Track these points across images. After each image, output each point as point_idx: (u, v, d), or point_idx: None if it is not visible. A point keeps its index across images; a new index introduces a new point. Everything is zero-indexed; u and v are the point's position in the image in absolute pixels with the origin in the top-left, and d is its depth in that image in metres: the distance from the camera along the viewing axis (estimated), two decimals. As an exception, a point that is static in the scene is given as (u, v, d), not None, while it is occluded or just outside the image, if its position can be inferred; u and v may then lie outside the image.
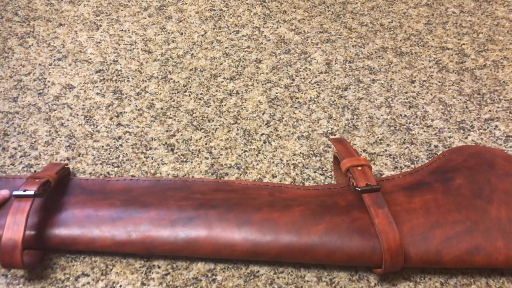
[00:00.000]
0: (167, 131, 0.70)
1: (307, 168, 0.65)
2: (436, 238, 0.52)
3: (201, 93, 0.76)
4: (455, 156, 0.62)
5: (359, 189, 0.53)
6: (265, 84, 0.78)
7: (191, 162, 0.66)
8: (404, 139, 0.69)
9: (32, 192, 0.51)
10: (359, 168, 0.55)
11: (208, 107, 0.74)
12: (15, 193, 0.51)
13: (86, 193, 0.57)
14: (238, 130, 0.70)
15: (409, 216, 0.54)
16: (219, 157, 0.66)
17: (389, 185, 0.58)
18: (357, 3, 0.97)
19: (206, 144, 0.68)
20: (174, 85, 0.77)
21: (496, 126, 0.71)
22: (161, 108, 0.73)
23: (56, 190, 0.57)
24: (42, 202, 0.55)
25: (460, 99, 0.76)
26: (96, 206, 0.55)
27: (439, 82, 0.79)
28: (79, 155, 0.66)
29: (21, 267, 0.49)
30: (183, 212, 0.54)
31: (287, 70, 0.81)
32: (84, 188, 0.58)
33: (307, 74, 0.80)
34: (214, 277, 0.53)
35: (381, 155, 0.67)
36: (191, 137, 0.69)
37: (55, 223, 0.53)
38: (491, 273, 0.54)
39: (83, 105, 0.73)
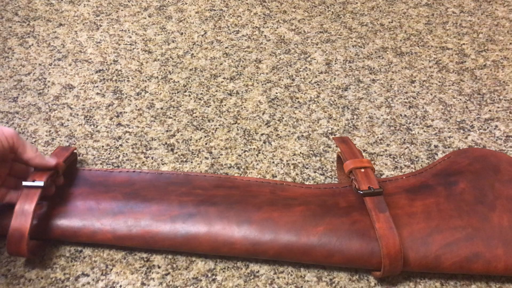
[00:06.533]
0: (167, 131, 0.70)
1: (307, 168, 0.65)
2: (436, 244, 0.51)
3: (201, 93, 0.76)
4: (460, 159, 0.61)
5: (361, 192, 0.53)
6: (265, 84, 0.78)
7: (191, 162, 0.66)
8: (404, 139, 0.69)
9: (41, 183, 0.51)
10: (362, 170, 0.55)
11: (208, 107, 0.74)
12: (24, 183, 0.51)
13: (88, 185, 0.58)
14: (238, 130, 0.70)
15: (409, 220, 0.53)
16: (219, 157, 0.66)
17: (391, 186, 0.58)
18: (357, 3, 0.97)
19: (206, 144, 0.68)
20: (174, 85, 0.77)
21: (496, 126, 0.71)
22: (161, 108, 0.73)
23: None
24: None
25: (460, 99, 0.76)
26: (98, 198, 0.56)
27: (439, 82, 0.79)
28: (79, 155, 0.66)
29: (26, 256, 0.50)
30: (183, 208, 0.54)
31: (287, 70, 0.81)
32: (87, 180, 0.59)
33: (307, 74, 0.80)
34: (214, 277, 0.53)
35: (381, 155, 0.67)
36: (191, 137, 0.69)
37: (57, 214, 0.54)
38: (491, 273, 0.54)
39: (83, 105, 0.73)
